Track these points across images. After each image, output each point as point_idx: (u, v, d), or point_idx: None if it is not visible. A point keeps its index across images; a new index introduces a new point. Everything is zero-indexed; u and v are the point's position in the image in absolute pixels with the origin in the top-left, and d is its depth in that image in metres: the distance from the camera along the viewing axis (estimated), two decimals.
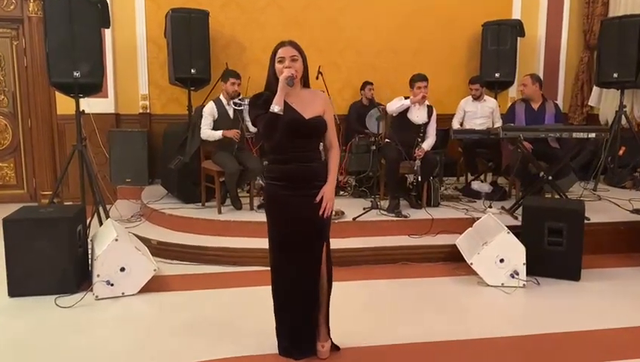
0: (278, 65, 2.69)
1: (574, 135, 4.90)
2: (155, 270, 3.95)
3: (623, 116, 6.41)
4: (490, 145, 5.80)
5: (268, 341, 3.01)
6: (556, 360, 3.06)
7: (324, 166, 2.82)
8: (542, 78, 5.77)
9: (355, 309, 3.64)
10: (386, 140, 5.45)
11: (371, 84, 6.69)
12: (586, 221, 4.37)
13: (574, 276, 4.18)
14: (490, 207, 5.21)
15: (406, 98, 5.22)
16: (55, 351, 3.09)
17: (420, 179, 5.18)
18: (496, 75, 6.82)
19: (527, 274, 4.07)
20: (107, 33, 6.05)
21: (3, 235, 3.79)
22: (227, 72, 5.30)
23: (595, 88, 7.14)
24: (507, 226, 4.19)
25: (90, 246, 4.26)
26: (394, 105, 5.20)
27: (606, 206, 5.47)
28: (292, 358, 2.90)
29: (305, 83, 2.82)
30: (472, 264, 4.13)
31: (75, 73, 4.63)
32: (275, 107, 2.59)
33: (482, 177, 6.23)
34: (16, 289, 3.80)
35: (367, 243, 4.68)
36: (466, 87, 6.31)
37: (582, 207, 4.33)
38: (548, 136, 5.06)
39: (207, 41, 6.18)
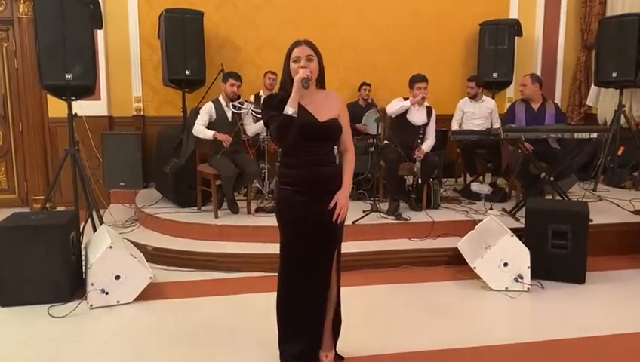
0: (293, 65, 2.59)
1: (576, 135, 4.85)
2: (151, 277, 3.85)
3: (622, 116, 6.37)
4: (490, 146, 5.74)
5: (269, 351, 2.92)
6: None
7: (339, 170, 2.72)
8: None
9: (356, 316, 3.53)
10: (385, 142, 5.38)
11: (368, 85, 6.62)
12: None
13: (579, 279, 4.12)
14: (491, 208, 5.15)
15: (405, 99, 5.15)
16: None
17: (420, 181, 5.11)
18: (494, 75, 6.78)
19: (531, 277, 4.00)
20: (99, 34, 5.93)
21: None
22: (227, 73, 5.19)
23: (593, 87, 7.11)
24: (509, 229, 4.12)
25: (83, 254, 4.15)
26: (394, 107, 5.12)
27: (607, 206, 5.42)
28: None
29: (321, 84, 2.72)
30: (475, 268, 4.05)
31: (67, 75, 4.52)
32: (290, 109, 2.49)
33: (481, 178, 6.17)
34: (7, 299, 3.69)
35: (367, 246, 4.59)
36: (464, 88, 6.26)
37: (586, 208, 4.27)
38: (549, 136, 5.00)
39: (201, 41, 6.08)
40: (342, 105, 2.75)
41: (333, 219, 2.64)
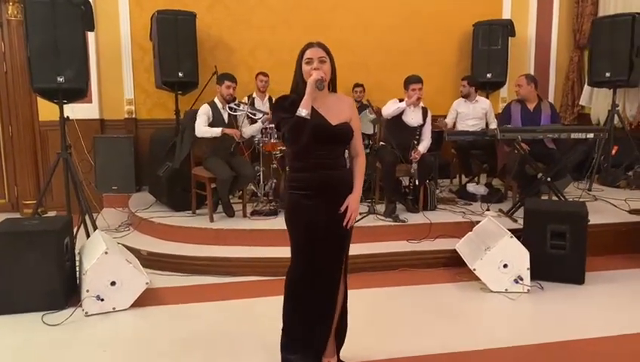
0: (305, 67, 2.54)
1: (572, 135, 4.84)
2: (147, 283, 3.78)
3: (615, 115, 6.39)
4: (485, 147, 5.73)
5: (271, 357, 2.88)
6: None
7: (349, 174, 2.69)
8: None
9: (356, 320, 3.43)
10: (381, 143, 5.34)
11: (360, 86, 6.58)
12: None
13: (578, 280, 4.10)
14: (488, 209, 5.13)
15: (400, 100, 5.12)
16: None
17: (416, 182, 5.08)
18: (488, 75, 6.78)
19: (530, 278, 3.98)
20: (90, 36, 5.84)
21: None
22: (222, 75, 5.13)
23: (586, 87, 7.12)
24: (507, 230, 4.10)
25: (78, 260, 4.06)
26: (390, 109, 5.09)
27: (603, 206, 5.42)
28: None
29: (333, 87, 2.68)
30: (474, 270, 4.03)
31: (58, 78, 4.44)
32: (303, 111, 2.44)
33: (476, 179, 6.16)
34: (0, 307, 3.60)
35: (365, 249, 4.52)
36: (457, 88, 6.26)
37: (584, 208, 4.26)
38: (546, 137, 4.99)
39: (194, 43, 6.01)
40: (353, 110, 2.71)
41: (344, 223, 2.60)
